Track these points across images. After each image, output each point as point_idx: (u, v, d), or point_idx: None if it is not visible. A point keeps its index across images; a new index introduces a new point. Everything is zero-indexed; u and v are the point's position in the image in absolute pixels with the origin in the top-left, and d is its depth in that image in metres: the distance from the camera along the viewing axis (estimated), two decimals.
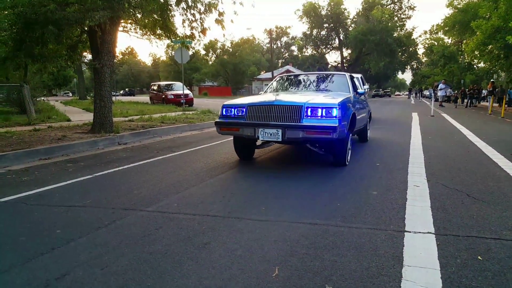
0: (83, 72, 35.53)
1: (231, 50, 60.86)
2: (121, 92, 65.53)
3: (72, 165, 5.39)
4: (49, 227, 2.84)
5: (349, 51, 56.30)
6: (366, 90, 7.14)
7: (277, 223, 2.87)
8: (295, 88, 6.58)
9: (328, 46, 57.38)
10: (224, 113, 5.13)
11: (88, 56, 12.42)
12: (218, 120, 5.20)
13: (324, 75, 6.95)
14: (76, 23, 7.65)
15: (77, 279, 2.02)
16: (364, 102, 7.13)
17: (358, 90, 6.47)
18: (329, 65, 57.62)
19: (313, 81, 6.68)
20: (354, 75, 12.94)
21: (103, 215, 3.12)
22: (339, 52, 56.83)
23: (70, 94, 59.23)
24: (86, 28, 8.66)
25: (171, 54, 54.03)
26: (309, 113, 4.57)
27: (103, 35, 8.30)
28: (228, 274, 2.05)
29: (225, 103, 5.25)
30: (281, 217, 3.02)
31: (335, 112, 4.53)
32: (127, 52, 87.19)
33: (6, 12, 8.21)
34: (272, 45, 57.89)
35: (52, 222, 2.96)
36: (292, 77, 7.18)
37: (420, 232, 2.66)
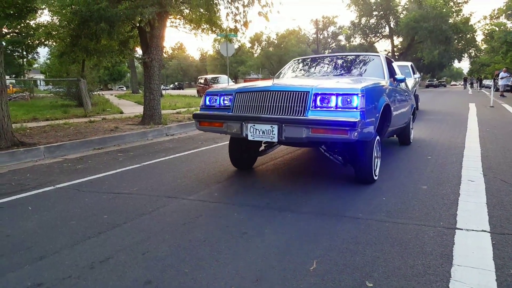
0: (135, 67, 37.12)
1: (276, 42, 60.48)
2: (171, 86, 67.81)
3: (123, 155, 5.64)
4: (97, 212, 2.98)
5: (400, 39, 53.68)
6: (417, 78, 6.55)
7: (318, 216, 2.80)
8: (313, 73, 5.04)
9: (378, 34, 55.09)
10: (206, 102, 3.84)
11: (139, 51, 12.94)
12: (197, 112, 3.93)
13: (351, 56, 5.29)
14: (126, 19, 7.98)
15: (119, 263, 2.10)
16: (406, 93, 5.39)
17: (396, 76, 4.76)
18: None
19: (337, 64, 5.10)
20: (404, 63, 12.21)
21: (148, 202, 3.23)
22: (389, 40, 54.38)
23: (124, 88, 62.32)
24: (136, 24, 9.02)
25: (217, 48, 54.87)
26: (318, 103, 3.20)
27: (152, 30, 8.58)
28: (265, 265, 2.02)
29: (209, 89, 4.05)
30: (322, 210, 2.94)
31: (356, 101, 3.10)
32: (176, 47, 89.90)
33: (64, 11, 8.75)
34: (318, 35, 56.63)
35: (101, 207, 3.11)
36: (310, 60, 5.46)
37: (473, 230, 2.46)
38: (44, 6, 11.10)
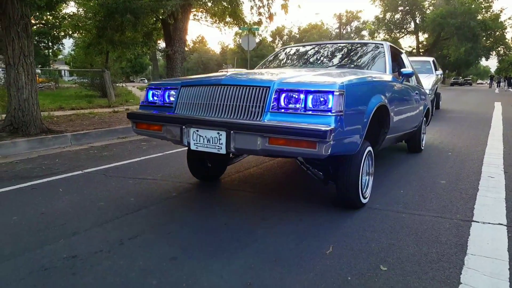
0: (157, 59, 37.68)
1: (298, 36, 60.08)
2: None
3: (146, 144, 5.83)
4: (124, 196, 3.14)
5: (426, 35, 52.42)
6: (440, 75, 6.06)
7: (334, 206, 2.87)
8: (296, 64, 4.19)
9: (403, 30, 53.94)
10: (149, 98, 3.05)
11: (161, 44, 13.18)
12: (133, 111, 3.20)
13: (348, 45, 4.38)
14: (151, 11, 8.18)
15: (146, 240, 2.24)
16: (416, 91, 4.40)
17: (402, 70, 3.70)
18: (403, 51, 54.16)
19: (330, 53, 4.21)
20: (426, 58, 11.69)
21: (171, 187, 3.37)
22: (414, 36, 53.19)
23: (146, 81, 63.28)
24: (160, 17, 9.21)
25: (238, 41, 55.01)
26: (282, 102, 2.35)
27: (175, 23, 8.76)
28: (283, 247, 2.12)
29: (154, 81, 3.34)
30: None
31: (331, 101, 2.22)
32: (198, 40, 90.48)
33: (92, 3, 9.02)
34: (341, 30, 55.90)
35: (127, 191, 3.27)
36: (299, 48, 4.58)
37: (489, 223, 2.49)
38: None
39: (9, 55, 5.50)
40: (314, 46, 4.51)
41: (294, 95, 2.32)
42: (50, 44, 35.55)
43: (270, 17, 10.38)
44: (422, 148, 5.08)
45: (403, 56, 4.57)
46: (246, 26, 11.51)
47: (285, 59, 4.46)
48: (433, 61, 10.28)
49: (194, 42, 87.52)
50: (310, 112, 2.25)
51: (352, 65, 3.78)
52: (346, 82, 2.37)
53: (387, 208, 2.80)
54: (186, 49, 9.91)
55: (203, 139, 2.54)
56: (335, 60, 4.02)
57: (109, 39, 8.77)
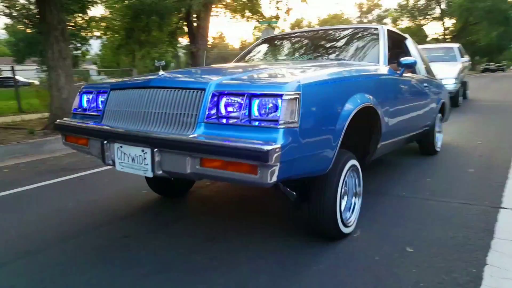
0: (179, 56, 38.25)
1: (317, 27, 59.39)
2: None
3: None
4: None
5: (453, 21, 50.54)
6: (466, 62, 5.19)
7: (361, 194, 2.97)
8: (269, 59, 3.62)
9: (427, 16, 52.24)
10: (82, 103, 2.49)
11: (184, 41, 13.47)
12: (61, 121, 2.52)
13: (335, 32, 3.54)
14: (175, 11, 8.42)
15: (188, 224, 2.45)
16: (425, 84, 3.65)
17: (402, 60, 2.91)
18: (429, 38, 52.51)
19: (316, 43, 3.51)
20: (450, 45, 10.38)
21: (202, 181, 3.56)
22: (440, 22, 51.42)
23: None
24: (184, 16, 9.46)
25: (257, 35, 54.88)
26: (221, 109, 1.77)
27: (198, 21, 8.99)
28: (313, 236, 2.24)
29: (88, 83, 2.82)
30: (366, 188, 3.09)
31: (279, 108, 1.62)
32: (217, 36, 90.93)
33: (118, 5, 9.36)
34: (362, 19, 54.84)
35: None
36: (281, 38, 4.00)
37: None
38: (98, 0, 11.88)
39: (49, 58, 5.86)
40: (298, 34, 3.81)
41: (236, 100, 1.71)
42: (78, 45, 36.75)
43: (288, 11, 10.44)
44: (438, 149, 4.29)
45: (408, 42, 3.74)
46: (264, 20, 11.61)
47: (262, 51, 3.78)
48: (458, 47, 9.78)
49: (213, 38, 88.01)
50: (256, 124, 1.62)
51: (338, 56, 3.08)
52: (304, 81, 1.72)
53: (414, 196, 2.87)
54: (207, 45, 10.12)
55: (128, 157, 1.98)
56: (319, 50, 3.33)
57: (137, 40, 9.10)
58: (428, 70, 4.10)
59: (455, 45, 9.79)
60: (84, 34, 29.07)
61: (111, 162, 2.12)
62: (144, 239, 2.24)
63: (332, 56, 3.14)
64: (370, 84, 2.41)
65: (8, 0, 9.22)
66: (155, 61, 2.49)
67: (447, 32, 50.44)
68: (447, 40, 46.74)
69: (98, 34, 15.53)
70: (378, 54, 2.93)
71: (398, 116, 2.83)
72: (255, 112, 1.65)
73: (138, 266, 1.91)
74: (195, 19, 9.01)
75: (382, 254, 1.94)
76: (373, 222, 2.39)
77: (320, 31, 3.70)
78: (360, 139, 2.55)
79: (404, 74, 2.97)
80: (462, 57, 9.33)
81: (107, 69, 17.43)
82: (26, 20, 10.39)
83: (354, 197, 2.33)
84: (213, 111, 1.76)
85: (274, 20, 11.44)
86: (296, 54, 3.45)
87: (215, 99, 1.76)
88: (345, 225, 2.15)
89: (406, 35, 3.75)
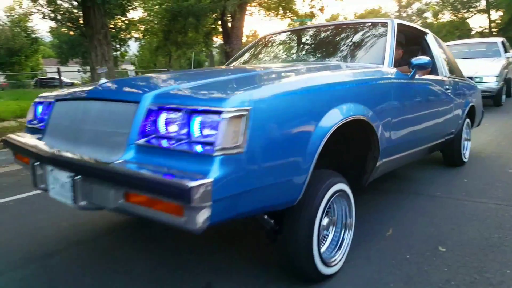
0: (212, 56, 38.96)
1: None
2: None
3: None
4: None
5: (500, 13, 47.81)
6: (511, 58, 4.45)
7: (395, 193, 2.97)
8: (264, 59, 3.19)
9: (471, 9, 49.76)
10: (37, 114, 2.17)
11: (218, 41, 13.74)
12: (10, 135, 2.17)
13: (339, 29, 3.08)
14: (210, 12, 8.64)
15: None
16: (446, 86, 3.13)
17: (413, 60, 2.46)
18: (473, 31, 49.92)
19: (317, 41, 3.12)
20: (492, 39, 9.57)
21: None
22: (485, 15, 48.82)
23: None
24: (219, 16, 9.68)
25: None
26: (160, 128, 1.39)
27: (233, 21, 9.16)
28: None
29: (44, 93, 2.27)
30: (399, 188, 3.09)
31: (223, 128, 1.24)
32: (251, 35, 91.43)
33: (156, 8, 9.73)
34: (401, 13, 53.02)
35: None
36: (275, 37, 3.44)
37: None
38: (137, 4, 12.39)
39: (93, 60, 6.23)
40: (299, 32, 3.35)
41: (175, 117, 1.36)
42: (118, 46, 38.32)
43: (322, 9, 10.40)
44: (465, 159, 3.73)
45: (429, 38, 3.24)
46: (298, 18, 11.64)
47: (257, 51, 3.37)
48: (502, 41, 9.14)
49: (247, 36, 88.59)
50: (195, 149, 1.27)
51: (337, 56, 2.71)
52: (258, 94, 1.37)
53: (448, 196, 2.84)
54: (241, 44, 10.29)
55: (58, 183, 1.64)
56: (316, 50, 3.00)
57: (174, 41, 9.42)
58: (454, 70, 3.60)
59: (499, 39, 9.19)
60: (123, 35, 30.33)
61: (43, 186, 1.76)
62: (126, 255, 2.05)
63: (329, 56, 2.74)
64: (363, 91, 1.98)
65: (53, 5, 9.84)
66: (97, 67, 2.07)
67: (493, 25, 47.78)
68: (493, 34, 44.29)
69: (136, 35, 16.21)
70: (382, 54, 2.43)
71: (406, 127, 2.40)
72: (195, 133, 1.30)
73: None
74: (230, 19, 9.19)
75: (414, 252, 1.97)
76: (405, 221, 2.40)
77: (322, 28, 3.20)
78: (354, 156, 2.16)
79: (417, 77, 2.54)
80: (506, 52, 8.78)
81: (145, 70, 18.08)
82: (69, 23, 11.04)
83: (343, 230, 1.91)
84: (148, 130, 1.40)
85: (308, 17, 11.42)
86: (290, 55, 3.11)
87: (151, 114, 1.41)
88: (327, 265, 1.72)
89: (426, 30, 3.27)
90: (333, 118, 1.65)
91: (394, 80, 2.28)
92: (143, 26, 11.05)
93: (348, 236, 1.92)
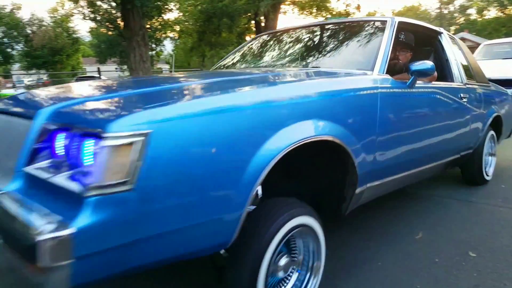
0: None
1: None
2: None
3: None
4: None
5: None
6: None
7: (427, 197, 2.94)
8: (249, 63, 2.82)
9: None
10: None
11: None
12: None
13: (332, 28, 2.71)
14: (244, 13, 8.77)
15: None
16: (461, 94, 2.67)
17: (413, 66, 2.04)
18: None
19: (299, 45, 2.73)
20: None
21: None
22: None
23: None
24: (252, 17, 9.81)
25: None
26: (52, 152, 1.16)
27: (266, 21, 9.25)
28: (376, 231, 2.32)
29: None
30: (432, 192, 3.06)
31: (103, 159, 0.97)
32: None
33: (190, 8, 9.98)
34: (442, 10, 51.08)
35: None
36: (271, 36, 3.10)
37: None
38: (173, 5, 12.78)
39: (131, 61, 6.53)
40: (288, 32, 2.93)
41: (65, 140, 1.13)
42: (153, 46, 39.45)
43: (358, 7, 10.26)
44: (488, 177, 3.25)
45: (444, 38, 2.84)
46: (332, 16, 11.55)
47: (240, 54, 3.04)
48: None
49: None
50: (72, 185, 1.02)
51: (320, 61, 2.38)
52: (163, 113, 1.08)
53: (483, 202, 2.79)
54: None
55: None
56: (299, 54, 2.61)
57: (208, 41, 9.65)
58: (475, 75, 3.14)
59: None
60: (159, 35, 31.26)
61: None
62: None
63: (311, 61, 2.41)
64: (333, 105, 1.61)
65: (93, 6, 10.34)
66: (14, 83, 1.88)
67: None
68: None
69: (171, 35, 16.67)
70: (373, 58, 2.04)
71: (402, 144, 2.04)
72: (80, 162, 1.05)
73: None
74: (263, 19, 9.29)
75: (443, 256, 1.97)
76: (436, 225, 2.39)
77: (312, 28, 2.84)
78: (329, 181, 1.81)
79: (421, 84, 2.19)
80: None
81: (180, 69, 18.56)
82: (108, 24, 11.54)
83: (308, 274, 1.57)
84: (41, 154, 1.16)
85: (343, 16, 11.31)
86: (268, 59, 2.74)
87: (46, 135, 1.16)
88: None
89: (441, 29, 2.88)
90: (282, 141, 1.31)
91: (383, 90, 1.87)
92: (178, 27, 11.40)
93: (313, 284, 1.55)
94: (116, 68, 29.80)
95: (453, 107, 2.58)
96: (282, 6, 10.70)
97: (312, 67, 2.29)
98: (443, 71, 2.75)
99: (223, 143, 1.18)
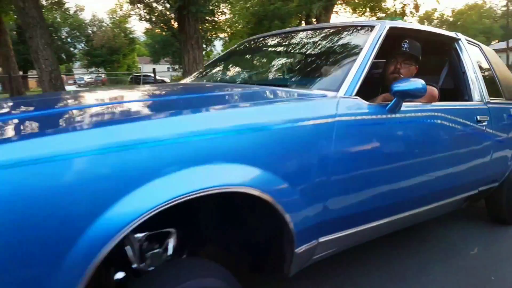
0: None
1: (451, 19, 53.57)
2: None
3: None
4: None
5: None
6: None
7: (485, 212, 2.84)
8: (210, 79, 2.36)
9: None
10: None
11: None
12: None
13: (313, 35, 2.20)
14: (296, 15, 8.82)
15: None
16: (477, 117, 2.09)
17: (395, 86, 1.54)
18: None
19: (273, 55, 2.38)
20: None
21: None
22: None
23: None
24: (303, 19, 9.82)
25: None
26: None
27: (317, 23, 9.21)
28: (423, 246, 2.29)
29: None
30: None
31: None
32: None
33: (241, 12, 10.19)
34: (510, 7, 47.53)
35: None
36: (247, 45, 2.61)
37: None
38: (226, 9, 13.12)
39: (185, 64, 6.82)
40: (265, 39, 2.51)
41: None
42: (204, 46, 40.57)
43: (416, 7, 9.88)
44: None
45: (462, 46, 2.29)
46: (386, 16, 11.21)
47: (219, 64, 2.62)
48: None
49: None
50: None
51: (285, 77, 2.09)
52: None
53: None
54: None
55: None
56: (267, 67, 2.30)
57: None
58: (504, 91, 2.55)
59: None
60: (209, 35, 32.06)
61: None
62: None
63: (274, 76, 2.12)
64: (253, 143, 1.19)
65: (149, 7, 10.88)
66: None
67: None
68: None
69: (222, 35, 17.03)
70: (342, 76, 1.59)
71: (367, 188, 1.54)
72: None
73: None
74: (315, 21, 9.28)
75: (500, 275, 1.91)
76: (493, 242, 2.31)
77: (294, 34, 2.40)
78: (266, 238, 1.43)
79: (411, 108, 1.70)
80: None
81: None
82: (162, 25, 12.07)
83: None
84: None
85: (398, 16, 10.92)
86: (233, 72, 2.39)
87: None
88: None
89: (457, 35, 2.33)
90: (151, 198, 0.96)
91: (344, 118, 1.41)
92: (229, 30, 11.70)
93: None
94: (168, 68, 31.00)
95: (463, 133, 2.01)
96: (335, 8, 10.63)
97: (250, 85, 1.86)
98: (459, 86, 2.26)
99: (35, 203, 0.82)
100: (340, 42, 1.95)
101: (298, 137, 1.30)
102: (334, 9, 10.62)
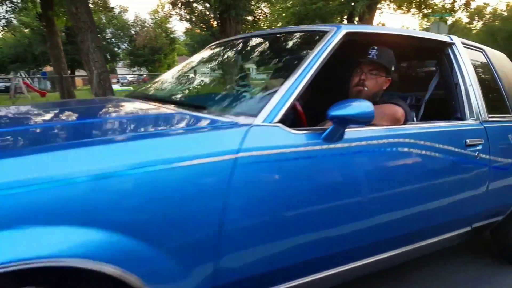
0: None
1: (505, 14, 50.27)
2: None
3: None
4: None
5: None
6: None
7: None
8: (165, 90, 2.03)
9: None
10: None
11: None
12: None
13: (270, 40, 1.91)
14: (337, 14, 8.63)
15: None
16: (468, 139, 1.65)
17: (332, 110, 1.16)
18: None
19: (225, 66, 2.07)
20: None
21: None
22: None
23: None
24: (345, 17, 9.61)
25: (426, 26, 50.09)
26: None
27: (360, 22, 8.96)
28: (477, 276, 2.11)
29: None
30: None
31: None
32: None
33: (284, 14, 10.13)
34: None
35: None
36: (212, 50, 2.14)
37: None
38: (266, 8, 13.11)
39: None
40: (228, 44, 2.15)
41: None
42: None
43: (468, 3, 9.37)
44: None
45: (456, 52, 1.84)
46: (433, 13, 10.72)
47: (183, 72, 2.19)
48: None
49: None
50: None
51: (215, 98, 1.69)
52: None
53: None
54: None
55: None
56: (191, 83, 2.02)
57: None
58: (511, 105, 2.06)
59: None
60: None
61: None
62: None
63: (202, 95, 1.82)
64: (97, 194, 0.90)
65: (189, 8, 11.07)
66: None
67: None
68: None
69: None
70: (265, 98, 1.27)
71: (278, 239, 1.18)
72: None
73: None
74: (358, 20, 9.04)
75: None
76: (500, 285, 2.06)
77: (254, 38, 2.03)
78: None
79: (363, 134, 1.34)
80: None
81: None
82: (201, 24, 12.26)
83: None
84: None
85: (447, 13, 10.37)
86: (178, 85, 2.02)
87: None
88: None
89: (452, 39, 1.88)
90: None
91: (251, 153, 1.09)
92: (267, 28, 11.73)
93: None
94: None
95: (443, 162, 1.58)
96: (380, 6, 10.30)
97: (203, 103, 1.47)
98: (450, 101, 1.83)
99: None
100: (283, 54, 1.66)
101: (174, 182, 0.98)
102: (379, 7, 10.32)
